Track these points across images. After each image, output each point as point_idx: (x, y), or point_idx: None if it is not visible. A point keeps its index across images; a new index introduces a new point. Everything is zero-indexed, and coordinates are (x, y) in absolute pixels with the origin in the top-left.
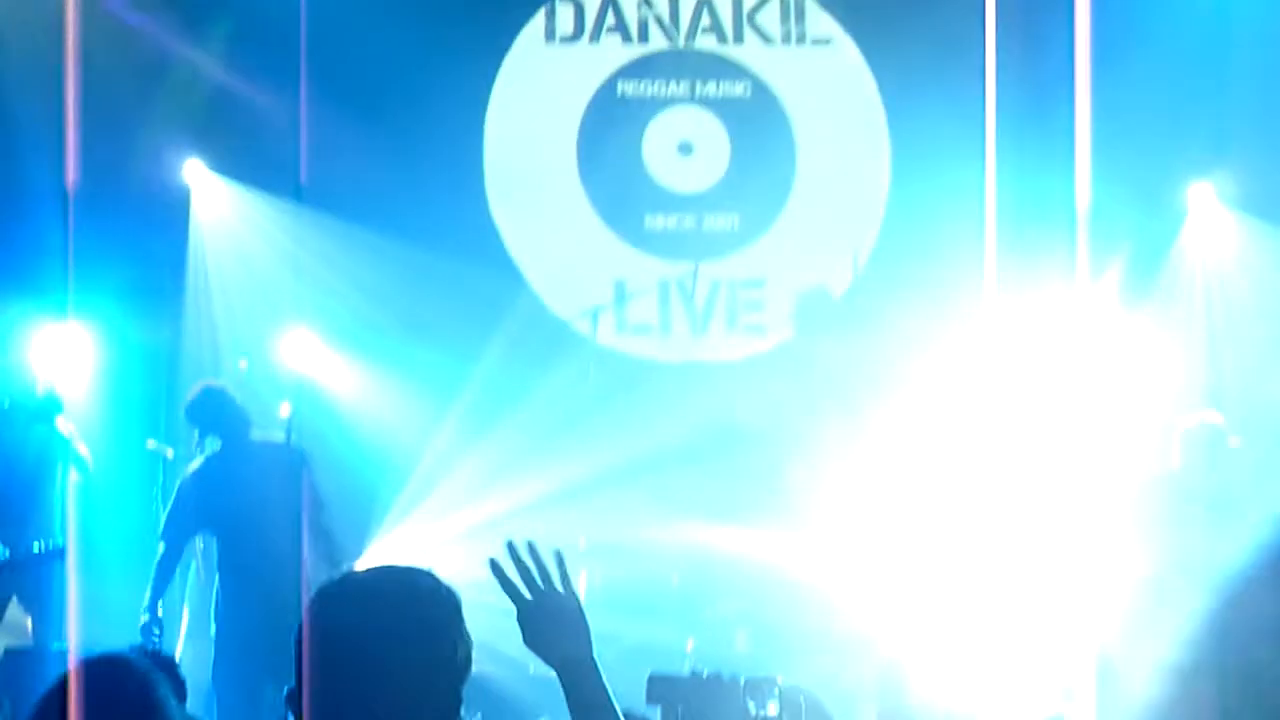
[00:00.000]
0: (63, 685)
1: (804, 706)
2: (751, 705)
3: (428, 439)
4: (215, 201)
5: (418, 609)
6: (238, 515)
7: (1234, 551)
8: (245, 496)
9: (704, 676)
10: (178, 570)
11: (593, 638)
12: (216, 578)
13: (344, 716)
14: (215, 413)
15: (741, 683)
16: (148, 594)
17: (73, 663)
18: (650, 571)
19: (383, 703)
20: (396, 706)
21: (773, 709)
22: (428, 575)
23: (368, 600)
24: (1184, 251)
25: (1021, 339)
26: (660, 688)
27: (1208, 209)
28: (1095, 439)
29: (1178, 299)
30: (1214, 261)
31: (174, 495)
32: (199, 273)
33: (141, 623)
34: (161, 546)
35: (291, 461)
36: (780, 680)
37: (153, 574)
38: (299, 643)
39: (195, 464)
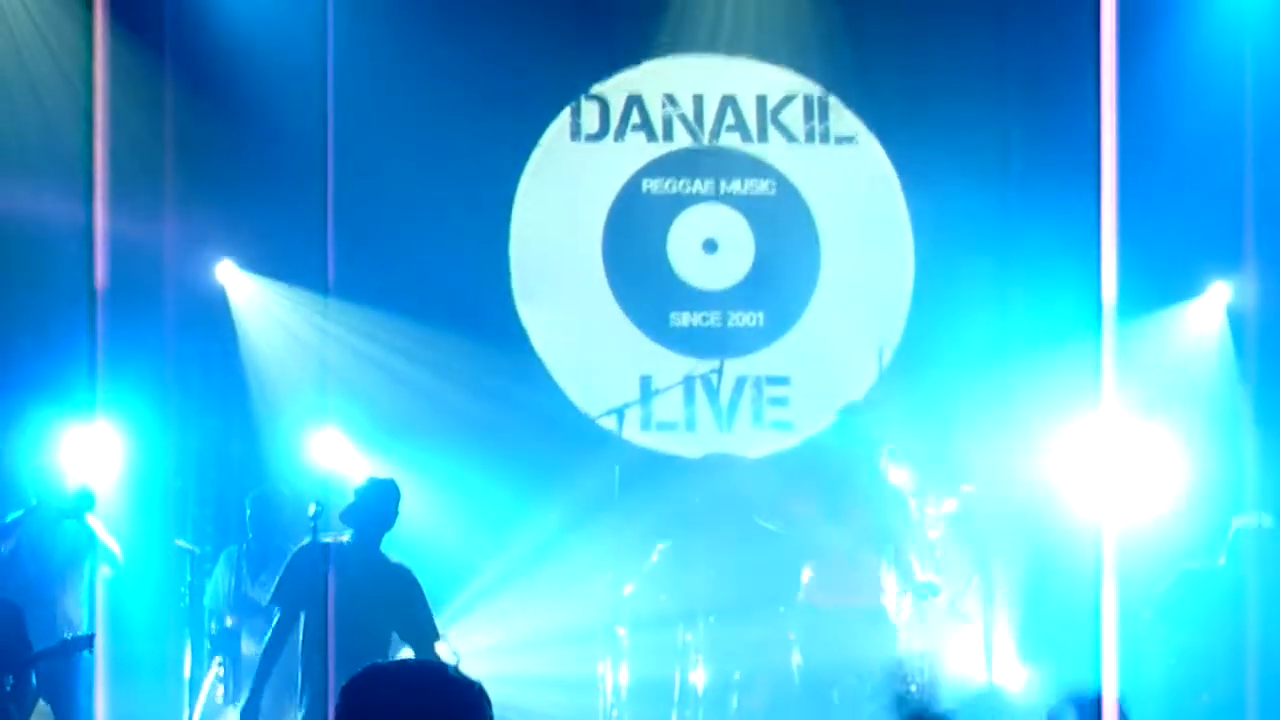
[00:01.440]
0: None
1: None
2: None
3: (454, 540)
4: (248, 301)
5: (448, 697)
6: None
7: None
8: (362, 590)
9: None
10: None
11: None
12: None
13: None
14: (375, 507)
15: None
16: (251, 681)
17: None
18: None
19: None
20: None
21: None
22: (453, 668)
23: (398, 688)
24: (1182, 343)
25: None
26: None
27: (1215, 308)
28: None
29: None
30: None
31: (292, 562)
32: (232, 372)
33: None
34: (277, 613)
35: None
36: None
37: (265, 643)
38: None
39: (327, 539)
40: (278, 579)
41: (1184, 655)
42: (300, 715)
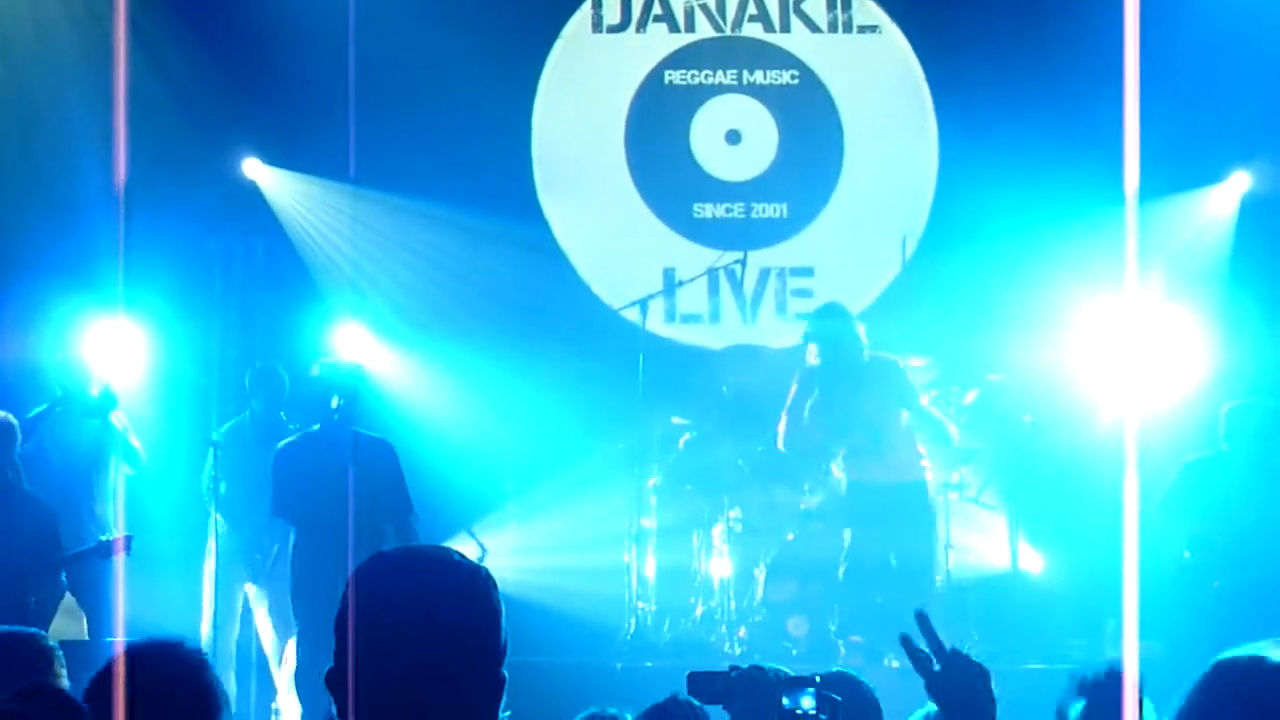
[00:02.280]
0: (112, 669)
1: (843, 702)
2: (786, 701)
3: (478, 432)
4: (275, 195)
5: (454, 584)
6: (329, 504)
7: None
8: (338, 486)
9: (739, 672)
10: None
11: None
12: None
13: (385, 695)
14: (331, 391)
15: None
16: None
17: (121, 650)
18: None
19: (423, 682)
20: (439, 685)
21: (807, 703)
22: (461, 555)
23: (402, 578)
24: (1199, 228)
25: (1073, 324)
26: (700, 684)
27: (1232, 196)
28: (1144, 419)
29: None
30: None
31: (277, 473)
32: (255, 267)
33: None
34: (292, 533)
35: (386, 459)
36: (818, 678)
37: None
38: (340, 622)
39: (292, 440)
40: (275, 490)
41: (1194, 544)
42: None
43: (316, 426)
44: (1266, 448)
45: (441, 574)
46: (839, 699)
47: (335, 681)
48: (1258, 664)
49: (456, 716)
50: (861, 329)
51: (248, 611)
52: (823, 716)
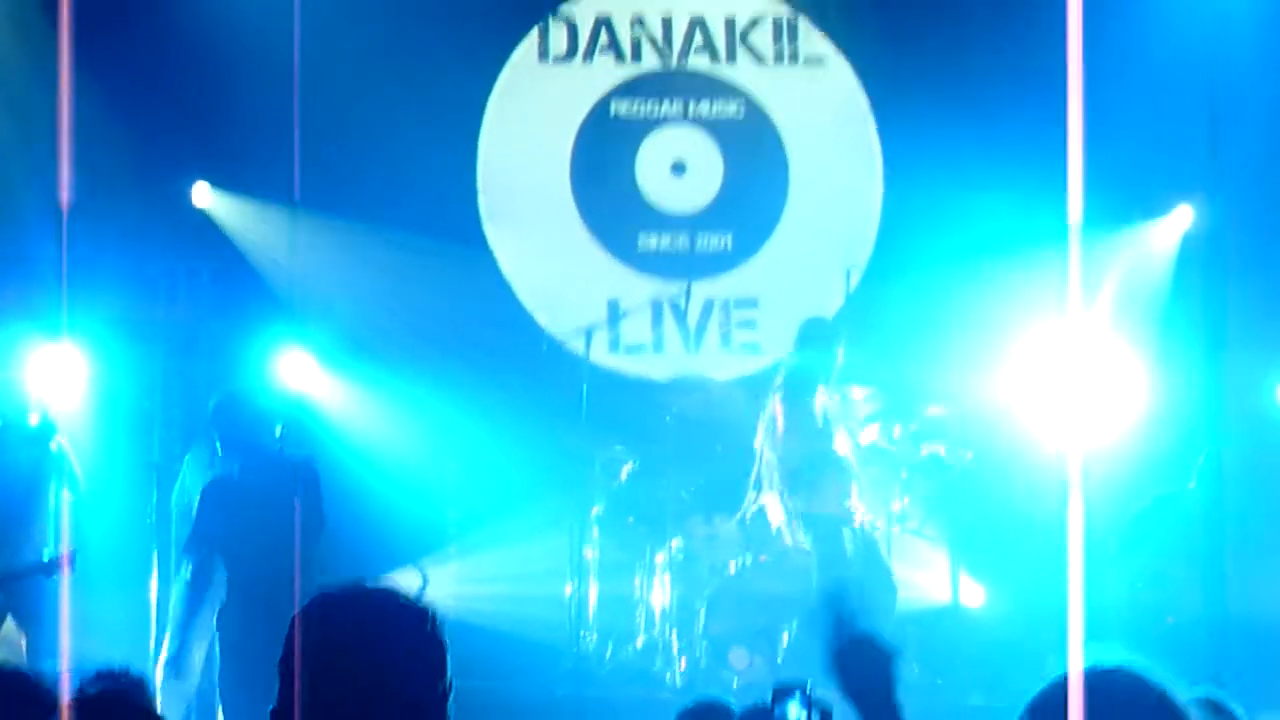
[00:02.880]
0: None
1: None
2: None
3: (421, 460)
4: (219, 220)
5: (399, 624)
6: (254, 535)
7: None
8: (261, 515)
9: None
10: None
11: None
12: (224, 597)
13: None
14: (239, 422)
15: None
16: (173, 625)
17: (65, 680)
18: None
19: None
20: None
21: (795, 711)
22: (406, 595)
23: (348, 618)
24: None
25: (1018, 355)
26: None
27: (1175, 230)
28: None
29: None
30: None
31: (200, 508)
32: (199, 292)
33: (165, 658)
34: (187, 566)
35: (304, 479)
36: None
37: (184, 595)
38: (283, 661)
39: (221, 475)
40: (192, 528)
41: (1151, 579)
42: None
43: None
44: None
45: (387, 614)
46: (830, 706)
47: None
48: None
49: None
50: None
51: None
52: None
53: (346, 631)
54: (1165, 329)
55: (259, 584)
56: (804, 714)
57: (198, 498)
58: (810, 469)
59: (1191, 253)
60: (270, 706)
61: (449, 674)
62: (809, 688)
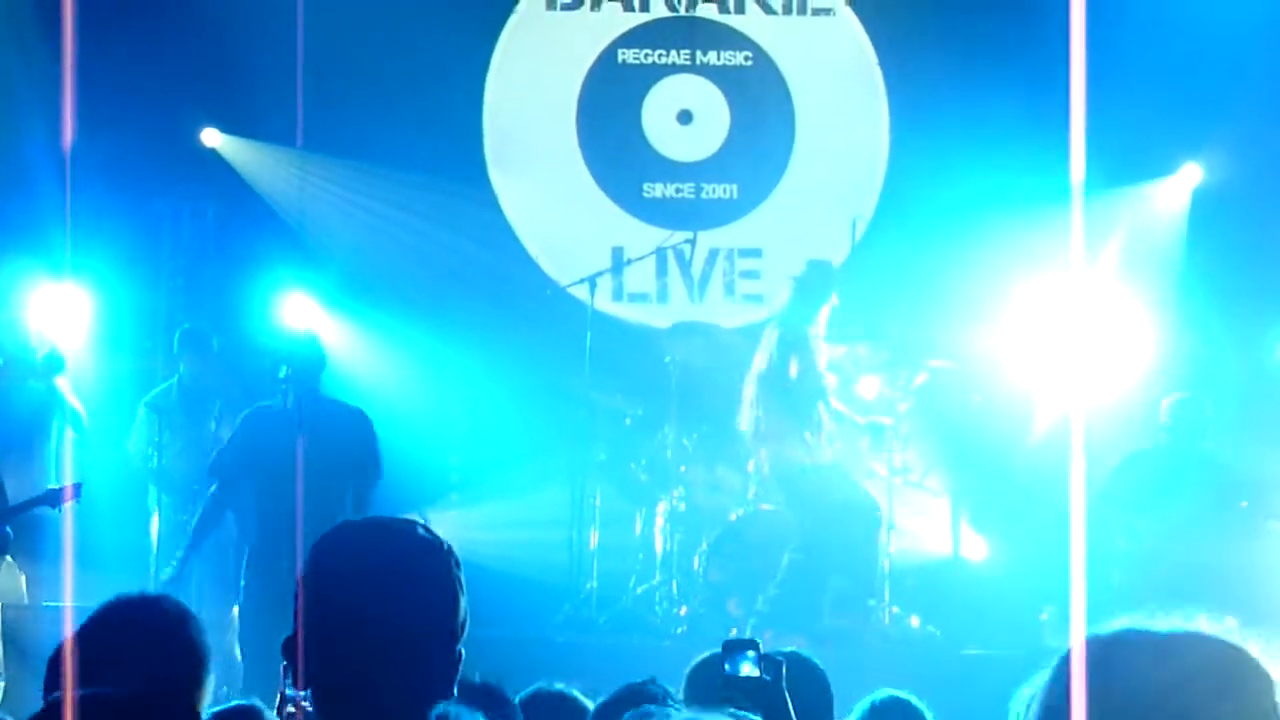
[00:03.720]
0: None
1: (787, 668)
2: (726, 666)
3: (422, 406)
4: (225, 161)
5: (416, 557)
6: (293, 468)
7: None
8: (292, 455)
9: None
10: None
11: None
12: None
13: (340, 665)
14: (305, 358)
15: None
16: (182, 551)
17: (69, 615)
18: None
19: (379, 653)
20: (395, 656)
21: (746, 669)
22: (424, 526)
23: (365, 548)
24: (1149, 220)
25: (1020, 310)
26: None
27: (1183, 188)
28: (1080, 410)
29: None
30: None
31: (243, 431)
32: (204, 233)
33: (166, 577)
34: (214, 486)
35: (359, 426)
36: (765, 639)
37: (197, 515)
38: (298, 590)
39: (262, 407)
40: (219, 450)
41: (1128, 535)
42: (242, 585)
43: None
44: (1201, 441)
45: (403, 546)
46: (781, 659)
47: (291, 650)
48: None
49: (411, 689)
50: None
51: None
52: (766, 678)
53: (363, 561)
54: (1176, 286)
55: (299, 522)
56: (755, 670)
57: (238, 420)
58: (793, 417)
59: (1203, 210)
60: (284, 634)
61: (464, 611)
62: (761, 644)
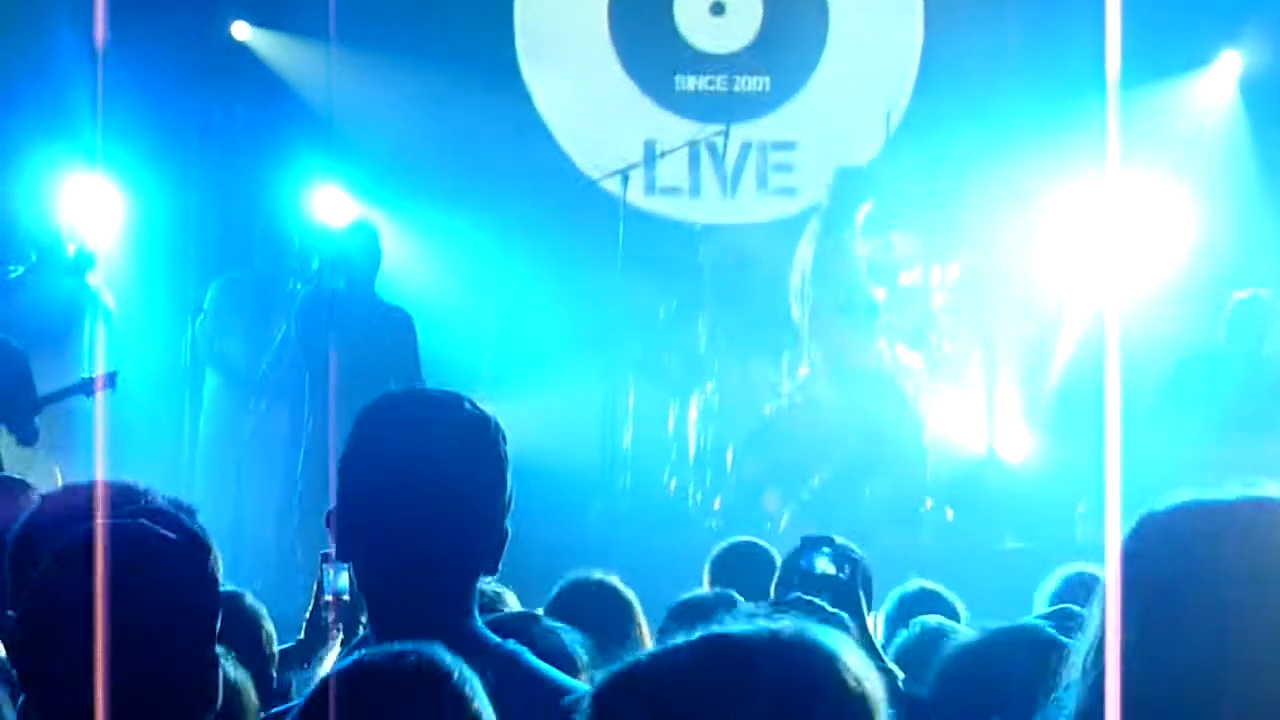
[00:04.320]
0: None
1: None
2: (802, 563)
3: (454, 301)
4: (255, 55)
5: (464, 428)
6: (339, 362)
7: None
8: (362, 336)
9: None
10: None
11: None
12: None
13: (384, 537)
14: (361, 250)
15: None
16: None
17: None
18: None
19: (424, 524)
20: (440, 529)
21: (822, 565)
22: (470, 400)
23: (411, 418)
24: (1193, 115)
25: (1055, 204)
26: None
27: (1226, 79)
28: (1117, 307)
29: (1187, 165)
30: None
31: (303, 317)
32: (234, 128)
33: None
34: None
35: (405, 326)
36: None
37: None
38: (343, 461)
39: (310, 294)
40: (298, 344)
41: (1192, 440)
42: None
43: (341, 282)
44: (1263, 344)
45: (450, 417)
46: (858, 557)
47: (336, 522)
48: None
49: (457, 562)
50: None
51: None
52: (841, 575)
53: (409, 430)
54: (1227, 183)
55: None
56: (831, 566)
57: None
58: (838, 316)
59: (1251, 99)
60: (328, 509)
61: (510, 488)
62: (837, 540)
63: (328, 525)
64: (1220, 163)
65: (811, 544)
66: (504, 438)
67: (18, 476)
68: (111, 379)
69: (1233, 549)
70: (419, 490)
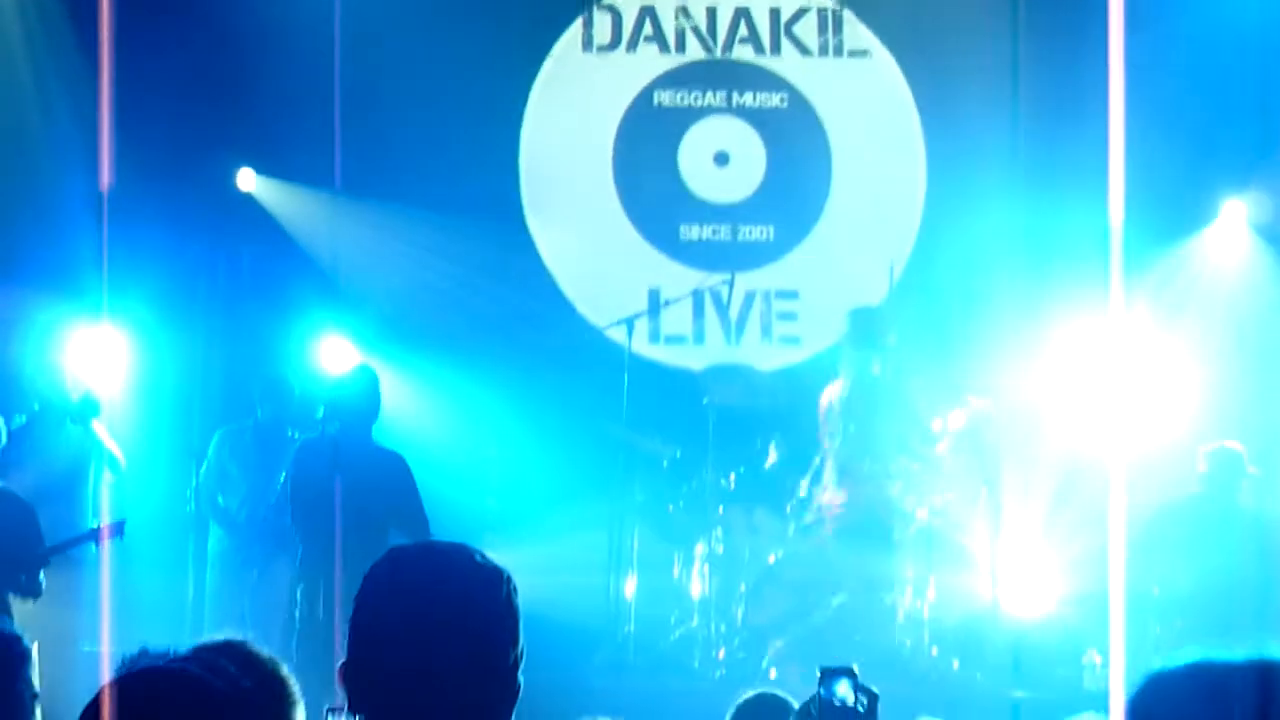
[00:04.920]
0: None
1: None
2: (822, 691)
3: (460, 449)
4: (262, 204)
5: (474, 583)
6: (332, 506)
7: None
8: (359, 482)
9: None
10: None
11: None
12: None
13: (392, 693)
14: (360, 396)
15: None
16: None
17: (106, 660)
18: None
19: (435, 681)
20: (450, 683)
21: (843, 693)
22: (479, 553)
23: (421, 573)
24: (1207, 269)
25: (1057, 351)
26: None
27: (1236, 228)
28: (1121, 455)
29: (1200, 318)
30: (1234, 281)
31: (298, 466)
32: (240, 276)
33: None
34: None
35: (397, 471)
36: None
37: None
38: (355, 616)
39: (307, 440)
40: (289, 494)
41: (1163, 585)
42: (297, 614)
43: (335, 427)
44: (1238, 493)
45: (458, 571)
46: (876, 691)
47: (348, 675)
48: (1191, 670)
49: (466, 714)
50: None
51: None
52: (860, 707)
53: (419, 586)
54: (1241, 333)
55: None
56: (853, 694)
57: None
58: (857, 460)
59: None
60: (342, 660)
61: (520, 640)
62: (857, 670)
63: (339, 678)
64: (1233, 315)
65: (832, 674)
66: (515, 590)
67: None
68: (119, 528)
69: (1239, 714)
70: (432, 645)
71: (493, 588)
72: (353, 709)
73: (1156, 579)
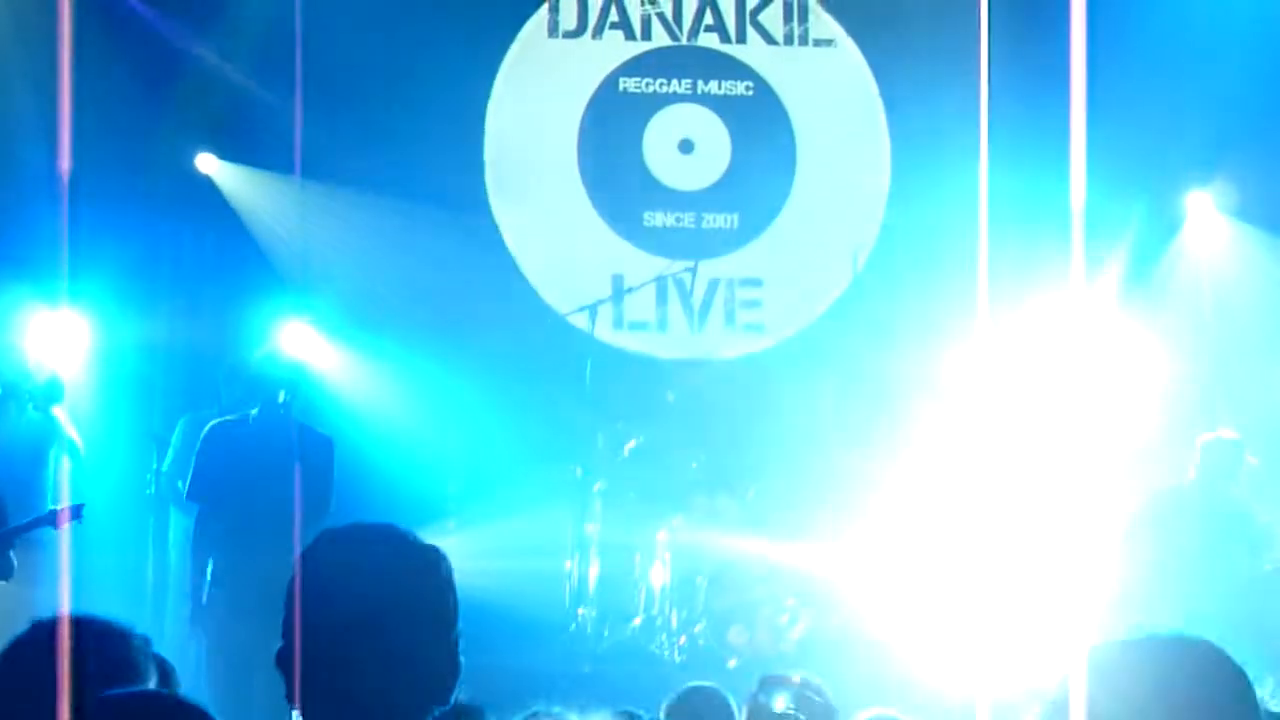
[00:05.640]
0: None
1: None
2: (760, 698)
3: (422, 434)
4: (223, 189)
5: (409, 561)
6: (260, 487)
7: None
8: (270, 473)
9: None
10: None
11: None
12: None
13: (332, 675)
14: (273, 376)
15: (756, 680)
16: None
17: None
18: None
19: (375, 661)
20: (389, 662)
21: (780, 704)
22: (412, 533)
23: (356, 555)
24: (1181, 258)
25: (1018, 342)
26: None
27: (1205, 217)
28: (1088, 445)
29: (1174, 305)
30: (1211, 269)
31: (206, 448)
32: (203, 261)
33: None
34: (197, 508)
35: (323, 454)
36: (796, 678)
37: (194, 539)
38: (289, 600)
39: (226, 421)
40: (191, 471)
41: (1157, 572)
42: (204, 597)
43: (255, 411)
44: (1232, 486)
45: (395, 552)
46: (820, 698)
47: (285, 662)
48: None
49: (409, 697)
50: None
51: None
52: (799, 715)
53: (349, 565)
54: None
55: (260, 544)
56: (791, 706)
57: (200, 437)
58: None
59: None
60: (277, 646)
61: (456, 614)
62: (799, 679)
63: (278, 664)
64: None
65: (772, 681)
66: (447, 564)
67: None
68: (77, 511)
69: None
70: (371, 628)
71: (430, 567)
72: (290, 695)
73: (1152, 566)
